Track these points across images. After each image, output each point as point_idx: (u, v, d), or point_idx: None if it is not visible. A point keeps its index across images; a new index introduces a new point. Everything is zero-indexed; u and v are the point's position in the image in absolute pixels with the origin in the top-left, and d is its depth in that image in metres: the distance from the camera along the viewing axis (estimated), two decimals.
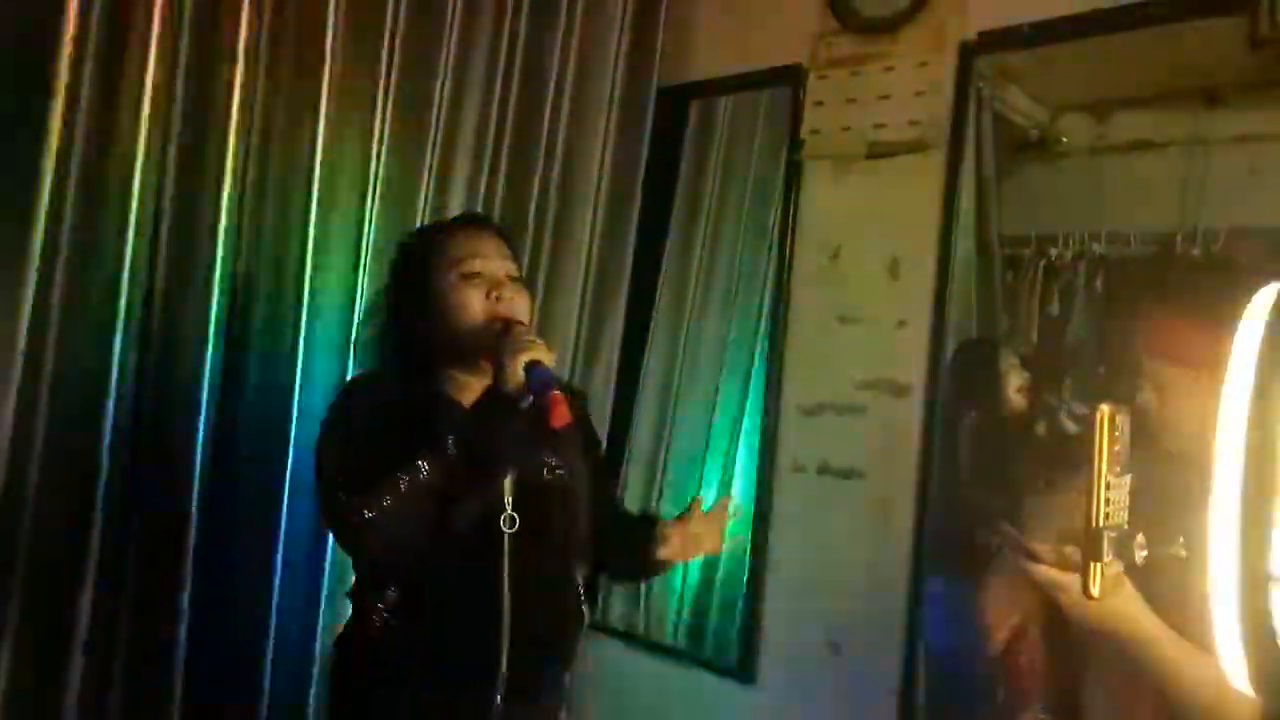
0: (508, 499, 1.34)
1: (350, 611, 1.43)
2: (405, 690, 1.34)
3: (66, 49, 1.49)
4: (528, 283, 1.51)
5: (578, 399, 1.51)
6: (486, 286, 1.36)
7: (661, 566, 1.49)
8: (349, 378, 1.72)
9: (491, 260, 1.39)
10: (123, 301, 1.61)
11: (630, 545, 1.51)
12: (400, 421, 1.28)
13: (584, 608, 1.49)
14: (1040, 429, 1.95)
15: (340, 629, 1.47)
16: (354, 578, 1.45)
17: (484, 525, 1.32)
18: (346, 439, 1.30)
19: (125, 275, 1.61)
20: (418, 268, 1.41)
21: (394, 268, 1.48)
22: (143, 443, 1.68)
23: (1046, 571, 1.05)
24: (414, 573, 1.31)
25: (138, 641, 1.69)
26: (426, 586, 1.32)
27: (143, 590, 1.69)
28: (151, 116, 1.61)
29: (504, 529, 1.34)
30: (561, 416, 1.24)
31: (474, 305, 1.35)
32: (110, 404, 1.61)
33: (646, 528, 1.49)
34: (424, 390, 1.38)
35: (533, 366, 1.27)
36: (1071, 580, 1.01)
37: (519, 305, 1.38)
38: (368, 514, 1.19)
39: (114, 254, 1.61)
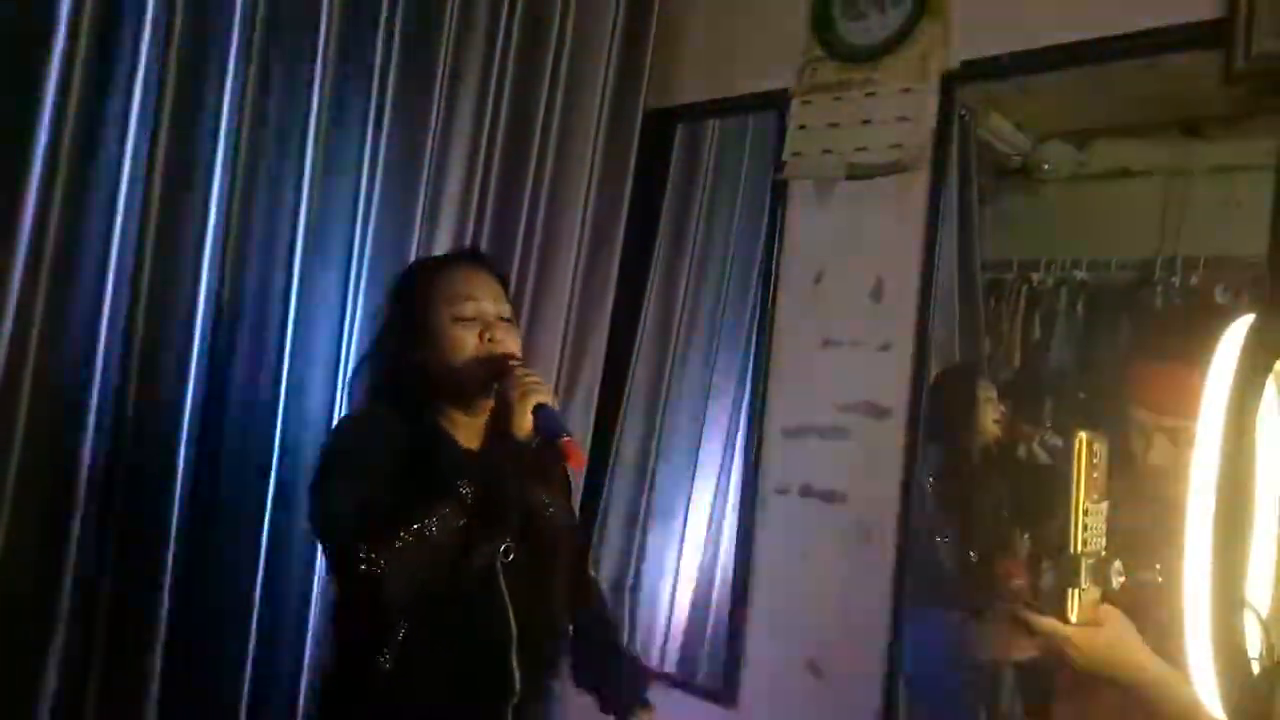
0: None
1: (340, 655, 1.42)
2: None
3: (54, 69, 1.48)
4: (516, 306, 1.53)
5: None
6: (480, 328, 1.39)
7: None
8: (342, 414, 1.70)
9: (485, 302, 1.41)
10: (104, 321, 1.59)
11: (590, 652, 1.61)
12: (404, 461, 1.29)
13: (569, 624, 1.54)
14: (1020, 457, 1.97)
15: (328, 671, 1.47)
16: (344, 619, 1.43)
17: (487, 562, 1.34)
18: (352, 480, 1.28)
19: (108, 291, 1.60)
20: (413, 304, 1.43)
21: (389, 302, 1.49)
22: (121, 469, 1.65)
23: (1046, 623, 1.04)
24: (424, 610, 1.29)
25: (111, 675, 1.65)
26: (431, 626, 1.31)
27: (117, 623, 1.65)
28: (138, 132, 1.61)
29: (503, 561, 1.35)
30: (579, 459, 1.28)
31: (467, 346, 1.37)
32: (90, 429, 1.59)
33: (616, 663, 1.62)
34: (424, 429, 1.38)
35: (539, 409, 1.28)
36: (1072, 631, 1.00)
37: (510, 347, 1.40)
38: (384, 565, 1.17)
39: (97, 269, 1.59)
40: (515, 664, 1.35)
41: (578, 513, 1.72)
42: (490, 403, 1.36)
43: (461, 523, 1.22)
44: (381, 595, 1.20)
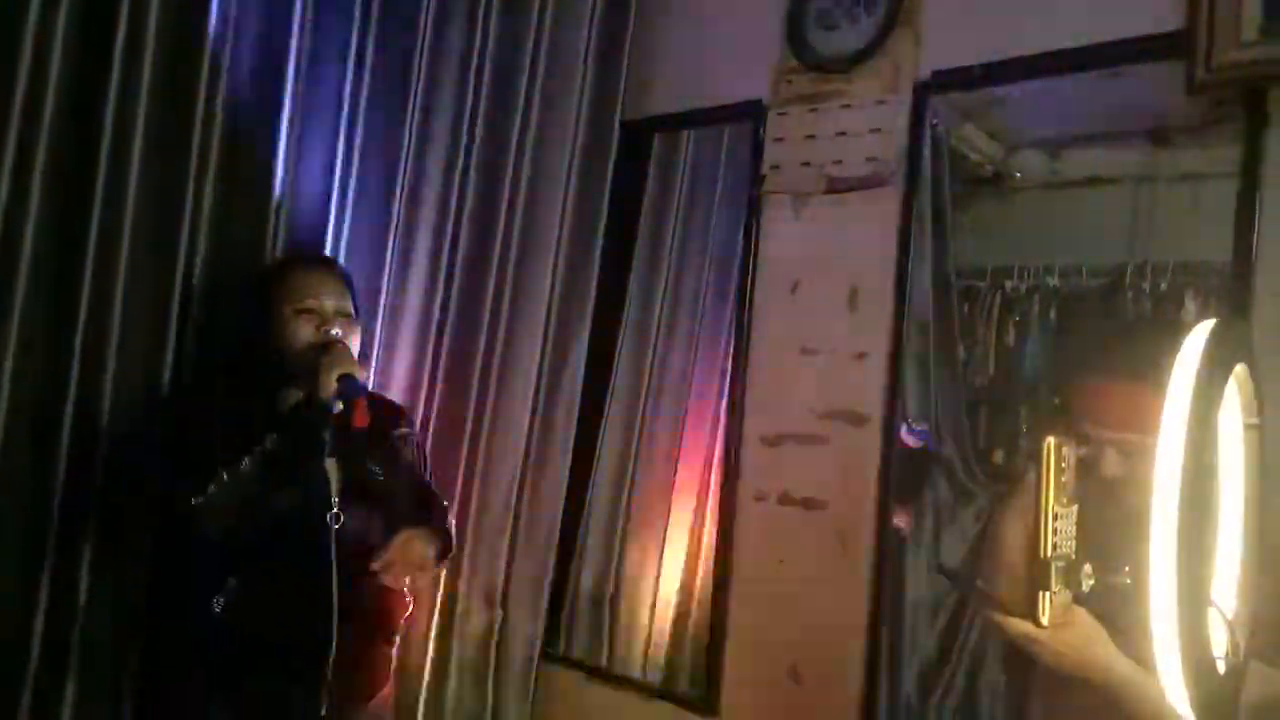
0: (335, 499, 1.55)
1: (169, 611, 1.60)
2: (239, 682, 1.52)
3: (22, 83, 1.48)
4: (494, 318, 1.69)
5: (401, 419, 1.81)
6: (318, 321, 1.58)
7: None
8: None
9: (326, 299, 1.61)
10: (79, 329, 1.58)
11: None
12: (226, 425, 1.49)
13: (407, 596, 1.74)
14: None
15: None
16: (172, 575, 1.61)
17: (314, 522, 1.53)
18: (179, 438, 1.53)
19: (84, 301, 1.59)
20: (260, 298, 1.62)
21: (248, 294, 1.67)
22: (96, 478, 1.64)
23: (1017, 624, 1.05)
24: (250, 565, 1.51)
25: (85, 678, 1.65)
26: (262, 578, 1.51)
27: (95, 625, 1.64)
28: (114, 134, 1.60)
29: (331, 525, 1.54)
30: (361, 417, 1.52)
31: (303, 334, 1.57)
32: (65, 431, 1.58)
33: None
34: (250, 401, 1.57)
35: (345, 378, 1.50)
36: (1041, 633, 1.01)
37: (345, 336, 1.60)
38: (195, 500, 1.40)
39: (72, 279, 1.58)
40: (333, 625, 1.52)
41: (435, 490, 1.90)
42: None
43: (259, 467, 1.44)
44: (198, 530, 1.44)
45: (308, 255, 1.82)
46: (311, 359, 1.53)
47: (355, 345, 1.62)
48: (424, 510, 1.75)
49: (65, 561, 1.60)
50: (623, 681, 2.31)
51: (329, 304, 1.60)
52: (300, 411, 1.51)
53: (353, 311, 1.66)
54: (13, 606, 1.56)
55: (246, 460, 1.43)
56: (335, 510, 1.55)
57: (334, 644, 1.53)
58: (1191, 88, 1.60)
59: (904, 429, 1.94)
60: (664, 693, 2.25)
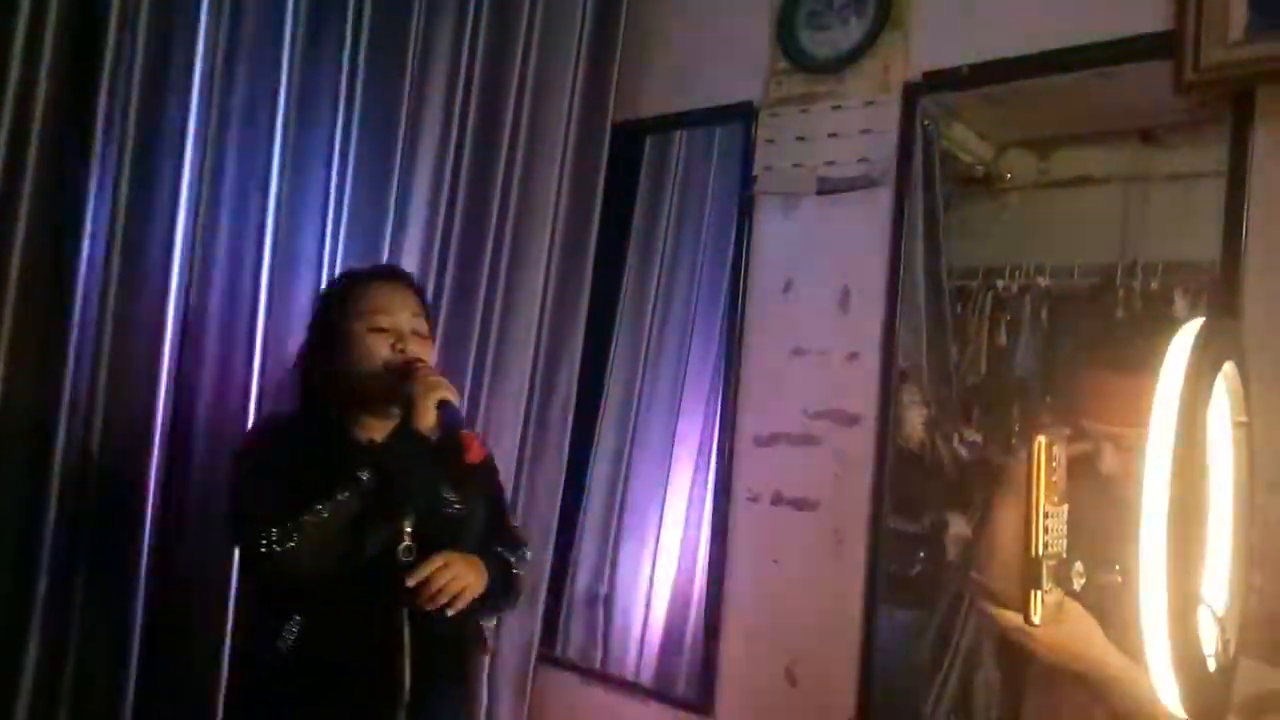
0: (407, 530, 1.40)
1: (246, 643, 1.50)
2: (310, 713, 1.39)
3: (13, 83, 1.48)
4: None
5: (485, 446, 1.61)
6: (393, 339, 1.45)
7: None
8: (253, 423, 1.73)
9: (400, 315, 1.47)
10: (73, 337, 1.58)
11: None
12: (310, 459, 1.36)
13: (485, 636, 1.62)
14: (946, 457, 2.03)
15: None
16: (252, 609, 1.51)
17: (384, 555, 1.38)
18: (260, 473, 1.37)
19: (76, 305, 1.58)
20: (331, 315, 1.50)
21: (315, 312, 1.56)
22: (91, 483, 1.65)
23: (1012, 617, 1.05)
24: (319, 601, 1.36)
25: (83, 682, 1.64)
26: (330, 614, 1.37)
27: (90, 632, 1.65)
28: (104, 135, 1.60)
29: (402, 559, 1.39)
30: (477, 452, 1.38)
31: (378, 354, 1.43)
32: (59, 444, 1.57)
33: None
34: (330, 431, 1.45)
35: (445, 405, 1.35)
36: (1035, 629, 1.01)
37: (422, 355, 1.46)
38: (281, 546, 1.25)
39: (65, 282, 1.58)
40: (406, 666, 1.39)
41: (516, 516, 1.79)
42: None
43: (358, 507, 1.29)
44: (283, 572, 1.28)
45: (380, 268, 1.69)
46: (395, 384, 1.40)
47: (429, 360, 1.48)
48: (499, 543, 1.59)
49: (57, 594, 1.58)
50: (618, 683, 2.31)
51: (405, 321, 1.47)
52: (398, 444, 1.36)
53: (427, 329, 1.52)
54: (4, 638, 1.54)
55: (332, 504, 1.28)
56: (407, 543, 1.39)
57: (407, 688, 1.38)
58: (1179, 88, 1.61)
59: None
60: (659, 694, 2.25)
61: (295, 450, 1.39)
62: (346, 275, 1.63)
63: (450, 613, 1.41)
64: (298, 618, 1.36)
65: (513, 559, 1.59)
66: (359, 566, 1.32)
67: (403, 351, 1.43)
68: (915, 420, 2.01)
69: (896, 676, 1.92)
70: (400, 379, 1.40)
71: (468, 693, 1.63)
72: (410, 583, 1.38)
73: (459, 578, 1.41)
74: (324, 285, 1.63)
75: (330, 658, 1.38)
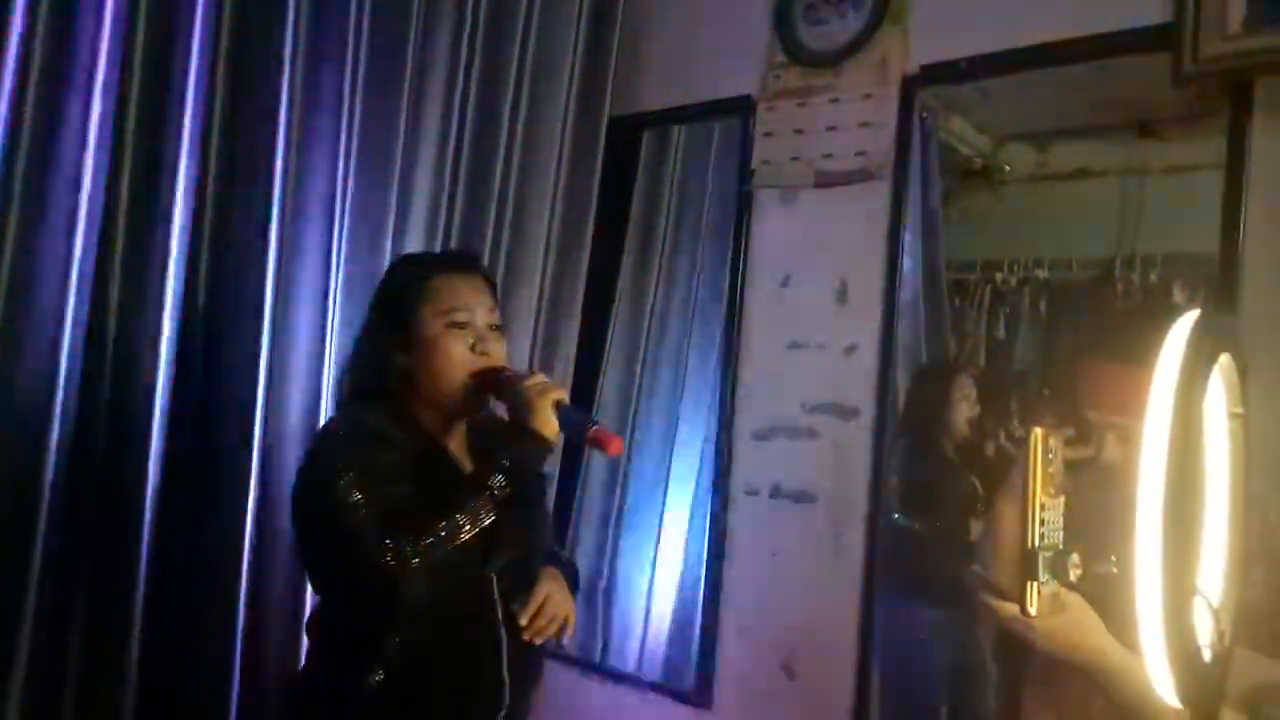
0: (492, 542, 1.30)
1: (324, 667, 1.38)
2: None
3: (10, 68, 1.48)
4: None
5: None
6: (471, 338, 1.36)
7: None
8: (330, 417, 1.58)
9: (478, 311, 1.38)
10: (66, 339, 1.57)
11: None
12: (410, 464, 1.28)
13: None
14: (989, 453, 2.01)
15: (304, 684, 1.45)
16: (331, 630, 1.38)
17: (475, 572, 1.31)
18: (369, 484, 1.22)
19: (70, 306, 1.58)
20: (404, 308, 1.38)
21: (381, 302, 1.44)
22: (92, 480, 1.64)
23: (1010, 608, 1.05)
24: (421, 620, 1.27)
25: (86, 675, 1.64)
26: (432, 633, 1.28)
27: (90, 634, 1.64)
28: (99, 140, 1.59)
29: (492, 574, 1.34)
30: (618, 445, 1.31)
31: (456, 355, 1.34)
32: (54, 437, 1.57)
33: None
34: (423, 437, 1.37)
35: (561, 406, 1.29)
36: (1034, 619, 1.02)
37: (498, 358, 1.38)
38: (415, 561, 1.15)
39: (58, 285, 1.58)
40: (506, 676, 1.33)
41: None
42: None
43: (489, 519, 1.21)
44: (402, 594, 1.19)
45: (454, 256, 1.60)
46: (481, 395, 1.35)
47: (504, 359, 1.40)
48: (557, 544, 1.54)
49: (53, 624, 1.58)
50: (618, 676, 2.31)
51: (482, 316, 1.38)
52: (526, 449, 1.27)
53: (501, 320, 1.43)
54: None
55: (465, 517, 1.19)
56: (494, 555, 1.32)
57: (506, 701, 1.34)
58: (1178, 80, 1.60)
59: None
60: (659, 687, 2.25)
61: (390, 452, 1.27)
62: (417, 264, 1.53)
63: (564, 640, 1.38)
64: (395, 641, 1.26)
65: (566, 556, 1.56)
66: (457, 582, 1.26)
67: (485, 354, 1.35)
68: (961, 415, 2.00)
69: (898, 676, 1.92)
70: (483, 390, 1.34)
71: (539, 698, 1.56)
72: (523, 620, 1.34)
73: (561, 605, 1.38)
74: (389, 271, 1.52)
75: (433, 679, 1.30)
